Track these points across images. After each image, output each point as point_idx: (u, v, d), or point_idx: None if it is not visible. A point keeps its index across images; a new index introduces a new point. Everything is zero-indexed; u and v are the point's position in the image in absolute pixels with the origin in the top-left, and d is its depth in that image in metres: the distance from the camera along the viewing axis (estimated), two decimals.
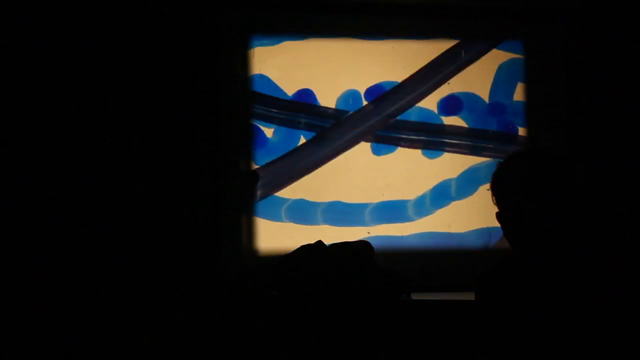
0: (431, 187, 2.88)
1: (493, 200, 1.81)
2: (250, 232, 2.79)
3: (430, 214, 2.88)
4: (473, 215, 2.88)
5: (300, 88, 2.85)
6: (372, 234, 2.81)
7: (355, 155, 2.87)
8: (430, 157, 2.90)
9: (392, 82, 2.89)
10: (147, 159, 2.65)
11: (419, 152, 2.89)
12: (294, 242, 2.62)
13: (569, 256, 1.66)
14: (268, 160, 2.82)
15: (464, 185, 2.90)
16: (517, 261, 1.73)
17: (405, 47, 2.90)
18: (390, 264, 2.61)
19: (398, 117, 2.88)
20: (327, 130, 2.85)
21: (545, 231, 1.67)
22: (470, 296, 1.79)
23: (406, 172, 2.88)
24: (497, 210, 1.80)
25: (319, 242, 2.56)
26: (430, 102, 2.91)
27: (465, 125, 2.92)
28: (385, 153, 2.88)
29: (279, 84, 2.84)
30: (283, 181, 2.83)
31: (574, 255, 1.66)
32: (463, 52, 2.93)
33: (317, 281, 2.43)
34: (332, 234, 2.71)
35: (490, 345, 1.70)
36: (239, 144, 2.80)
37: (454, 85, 2.92)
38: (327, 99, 2.86)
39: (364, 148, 2.88)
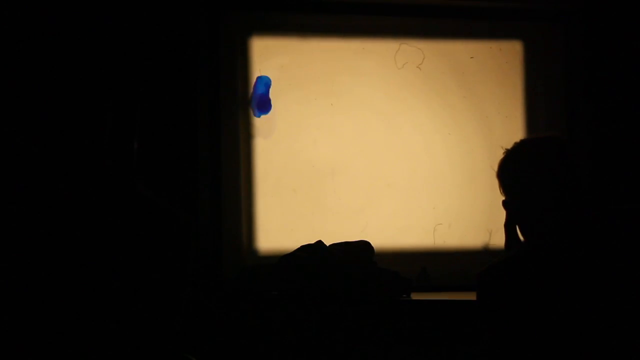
0: None
1: (500, 188, 1.81)
2: (250, 232, 2.79)
3: None
4: (473, 215, 2.88)
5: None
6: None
7: None
8: None
9: None
10: (147, 159, 2.64)
11: None
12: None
13: (574, 244, 1.65)
14: None
15: None
16: (520, 256, 1.72)
17: (405, 47, 2.90)
18: (390, 264, 2.61)
19: None
20: None
21: (551, 218, 1.67)
22: (470, 296, 1.79)
23: None
24: (503, 198, 1.80)
25: (319, 242, 2.56)
26: None
27: None
28: None
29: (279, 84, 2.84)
30: None
31: (579, 243, 1.65)
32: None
33: (317, 281, 2.44)
34: None
35: (493, 343, 1.70)
36: (240, 144, 2.80)
37: None
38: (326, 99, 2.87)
39: None
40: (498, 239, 2.85)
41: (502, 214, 1.92)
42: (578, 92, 2.90)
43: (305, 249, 2.54)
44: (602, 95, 2.84)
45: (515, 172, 1.76)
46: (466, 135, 2.91)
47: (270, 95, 2.81)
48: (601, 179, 2.79)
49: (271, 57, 2.84)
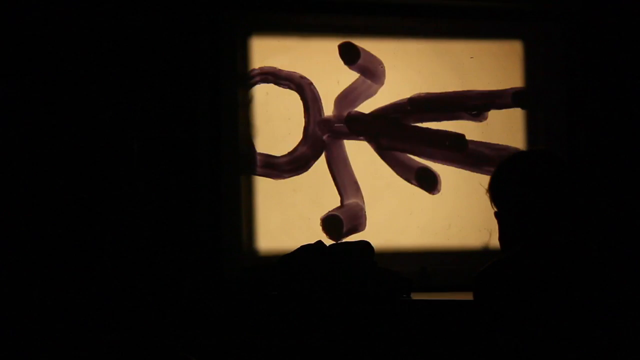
0: None
1: (490, 201, 1.82)
2: (250, 232, 2.79)
3: None
4: (473, 216, 2.88)
5: None
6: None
7: None
8: None
9: None
10: (148, 158, 2.65)
11: None
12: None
13: (567, 256, 1.67)
14: None
15: None
16: (516, 257, 1.73)
17: (405, 46, 2.90)
18: (390, 264, 2.61)
19: None
20: None
21: (543, 231, 1.67)
22: (470, 296, 1.79)
23: None
24: (495, 210, 1.81)
25: (319, 242, 2.56)
26: None
27: None
28: None
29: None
30: None
31: (573, 255, 1.67)
32: None
33: (317, 281, 2.44)
34: None
35: (489, 343, 1.70)
36: (240, 144, 2.80)
37: None
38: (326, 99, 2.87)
39: None
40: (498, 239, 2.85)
41: None
42: (578, 92, 2.90)
43: (305, 249, 2.54)
44: (602, 95, 2.84)
45: (506, 185, 1.77)
46: (465, 135, 2.91)
47: (271, 96, 2.82)
48: (601, 178, 2.79)
49: (271, 57, 2.84)
